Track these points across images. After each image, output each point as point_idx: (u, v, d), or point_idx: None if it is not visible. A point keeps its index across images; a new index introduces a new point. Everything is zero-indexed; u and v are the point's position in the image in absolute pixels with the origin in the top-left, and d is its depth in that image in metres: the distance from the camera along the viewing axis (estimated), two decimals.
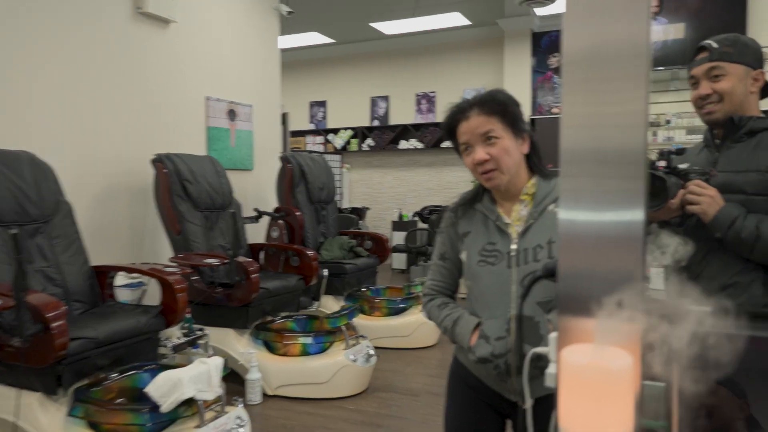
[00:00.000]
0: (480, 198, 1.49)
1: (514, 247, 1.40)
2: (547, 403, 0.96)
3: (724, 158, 1.57)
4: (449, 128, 1.44)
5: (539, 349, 0.96)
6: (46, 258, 2.83)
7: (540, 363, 1.38)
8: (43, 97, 3.38)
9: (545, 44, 7.74)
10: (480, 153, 1.38)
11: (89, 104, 3.64)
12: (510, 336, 1.37)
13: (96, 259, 3.38)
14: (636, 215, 0.66)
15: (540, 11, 6.99)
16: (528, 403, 1.11)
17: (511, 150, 1.39)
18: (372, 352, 3.59)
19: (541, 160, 1.48)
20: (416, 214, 7.78)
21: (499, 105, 1.39)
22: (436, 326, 1.55)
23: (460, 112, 1.41)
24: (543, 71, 7.78)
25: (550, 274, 0.98)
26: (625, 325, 0.65)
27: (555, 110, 7.65)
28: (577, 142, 0.66)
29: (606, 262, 0.70)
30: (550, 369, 0.88)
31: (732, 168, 1.54)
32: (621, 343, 0.66)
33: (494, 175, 1.39)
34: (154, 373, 2.60)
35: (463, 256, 1.49)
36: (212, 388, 2.39)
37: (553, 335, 0.88)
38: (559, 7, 6.44)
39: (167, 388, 2.27)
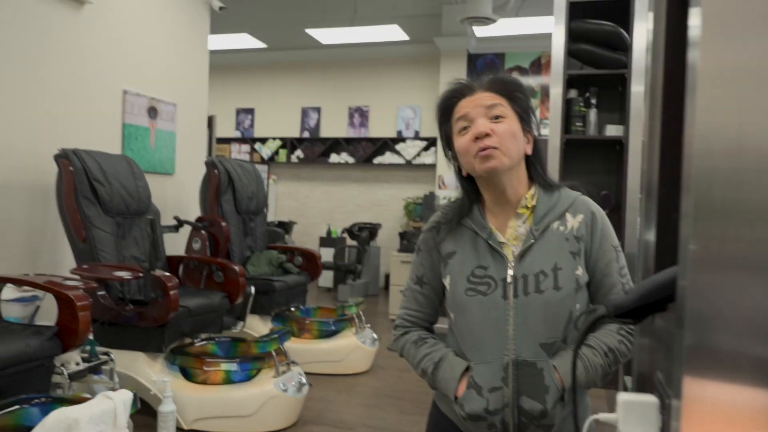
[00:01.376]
0: (468, 210, 1.22)
1: (510, 272, 1.14)
2: None
3: None
4: (447, 105, 1.20)
5: (603, 416, 0.69)
6: None
7: (544, 420, 1.12)
8: None
9: (480, 66, 7.71)
10: (482, 125, 1.12)
11: None
12: (508, 387, 1.11)
13: None
14: None
15: (479, 32, 6.94)
16: None
17: (518, 135, 1.14)
18: (304, 380, 3.23)
19: (545, 168, 1.23)
20: (346, 230, 7.48)
21: (509, 87, 1.16)
22: (412, 368, 1.26)
23: (465, 88, 1.18)
24: None
25: (621, 313, 0.71)
26: None
27: None
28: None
29: None
30: None
31: None
32: None
33: (495, 153, 1.12)
34: (45, 408, 2.15)
35: (447, 281, 1.21)
36: (118, 429, 1.97)
37: (625, 398, 0.62)
38: (497, 29, 6.40)
39: (60, 431, 1.83)
